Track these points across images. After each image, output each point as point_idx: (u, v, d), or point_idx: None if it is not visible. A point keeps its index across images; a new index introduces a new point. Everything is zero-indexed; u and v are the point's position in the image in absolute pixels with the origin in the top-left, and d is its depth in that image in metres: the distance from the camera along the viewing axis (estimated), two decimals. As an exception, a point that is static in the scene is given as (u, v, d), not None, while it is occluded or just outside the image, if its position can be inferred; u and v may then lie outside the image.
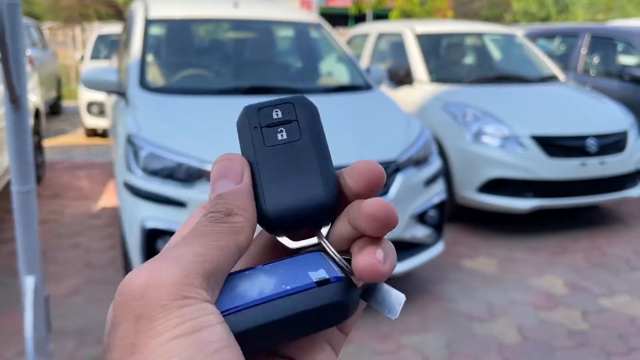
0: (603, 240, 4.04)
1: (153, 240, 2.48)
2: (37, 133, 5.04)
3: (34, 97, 5.07)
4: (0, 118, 3.68)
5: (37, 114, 5.01)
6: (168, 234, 2.48)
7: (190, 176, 2.48)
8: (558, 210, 4.42)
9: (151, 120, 2.76)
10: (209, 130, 2.72)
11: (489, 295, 3.20)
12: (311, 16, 4.14)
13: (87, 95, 6.82)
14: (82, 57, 8.16)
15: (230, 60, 3.82)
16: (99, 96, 6.60)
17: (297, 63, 4.14)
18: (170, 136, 2.63)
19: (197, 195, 2.45)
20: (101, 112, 6.82)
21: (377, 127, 3.01)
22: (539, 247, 3.89)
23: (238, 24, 3.89)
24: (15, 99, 1.91)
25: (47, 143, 6.04)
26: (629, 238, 4.11)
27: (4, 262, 3.46)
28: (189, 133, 2.68)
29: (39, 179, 5.17)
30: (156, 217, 2.47)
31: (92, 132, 7.37)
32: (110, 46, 7.98)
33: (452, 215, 4.08)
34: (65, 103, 10.17)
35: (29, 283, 2.07)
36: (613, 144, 4.04)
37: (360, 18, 16.99)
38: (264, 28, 3.98)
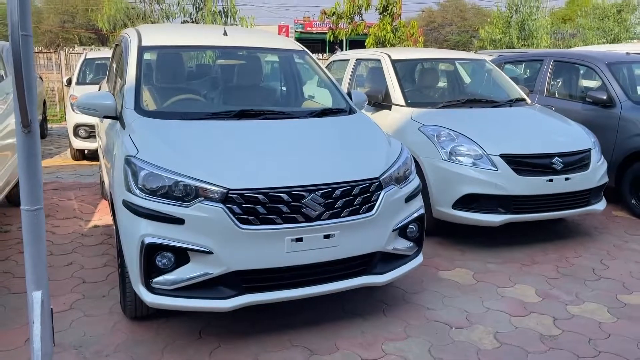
0: (571, 252, 4.31)
1: (152, 255, 2.62)
2: (26, 156, 5.13)
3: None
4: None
5: (26, 137, 5.10)
6: (166, 249, 2.63)
7: (187, 194, 2.64)
8: (528, 224, 4.68)
9: (148, 143, 2.92)
10: (203, 151, 2.89)
11: (466, 304, 3.40)
12: (295, 44, 4.38)
13: (75, 118, 6.95)
14: (69, 80, 8.29)
15: (221, 86, 4.02)
16: (87, 119, 6.73)
17: (284, 88, 4.37)
18: (167, 157, 2.78)
19: (194, 212, 2.61)
20: (89, 136, 6.95)
21: (361, 147, 3.23)
22: (511, 259, 4.13)
23: (227, 52, 4.10)
24: (27, 124, 2.06)
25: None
26: (594, 249, 4.38)
27: (-1, 281, 3.55)
28: (184, 154, 2.84)
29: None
30: (155, 233, 2.61)
31: (80, 154, 7.48)
32: (96, 70, 8.12)
33: (429, 229, 4.29)
34: (49, 125, 10.22)
35: (36, 297, 2.17)
36: (577, 161, 4.33)
37: (336, 44, 17.42)
38: (252, 55, 4.20)
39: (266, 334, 2.97)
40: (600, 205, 4.56)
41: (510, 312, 3.32)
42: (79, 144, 7.16)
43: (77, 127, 7.04)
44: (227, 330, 2.99)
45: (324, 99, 4.10)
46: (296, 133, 3.28)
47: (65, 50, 13.20)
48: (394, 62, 5.30)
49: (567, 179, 4.22)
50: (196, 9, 11.56)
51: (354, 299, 3.37)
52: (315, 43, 30.57)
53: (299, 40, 27.79)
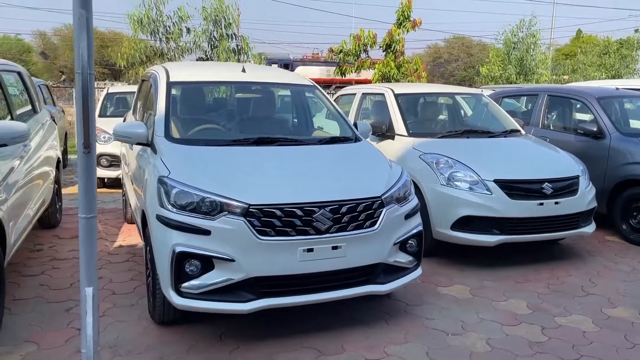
0: (562, 272, 4.62)
1: (181, 262, 2.99)
2: (57, 182, 5.56)
3: (57, 151, 5.62)
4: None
5: (57, 165, 5.55)
6: (194, 256, 2.99)
7: (213, 209, 3.02)
8: (524, 246, 5.01)
9: (178, 165, 3.32)
10: (226, 172, 3.29)
11: (462, 315, 3.71)
12: (306, 79, 4.83)
13: (97, 148, 7.40)
14: None
15: (240, 117, 4.46)
16: (109, 149, 7.20)
17: (297, 119, 4.80)
18: (195, 177, 3.17)
19: (219, 224, 2.98)
20: (111, 165, 7.40)
21: (365, 170, 3.62)
22: (506, 277, 4.45)
23: (246, 87, 4.56)
24: (88, 145, 2.48)
25: (59, 192, 6.52)
26: (585, 270, 4.69)
27: (36, 292, 3.91)
28: (210, 175, 3.23)
29: (57, 223, 5.65)
30: (184, 243, 2.98)
31: (100, 182, 7.91)
32: (116, 103, 8.65)
33: (430, 250, 4.63)
34: (69, 156, 10.71)
35: (89, 292, 2.54)
36: (566, 187, 4.68)
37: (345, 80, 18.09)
38: (268, 90, 4.65)
39: (280, 337, 3.29)
40: (590, 228, 4.88)
41: (502, 322, 3.62)
42: (100, 172, 7.60)
43: (99, 157, 7.49)
44: (245, 334, 3.32)
45: (332, 129, 4.52)
46: (308, 157, 3.68)
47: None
48: (397, 96, 5.74)
49: (556, 202, 4.57)
50: (211, 46, 12.19)
51: (360, 310, 3.69)
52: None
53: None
